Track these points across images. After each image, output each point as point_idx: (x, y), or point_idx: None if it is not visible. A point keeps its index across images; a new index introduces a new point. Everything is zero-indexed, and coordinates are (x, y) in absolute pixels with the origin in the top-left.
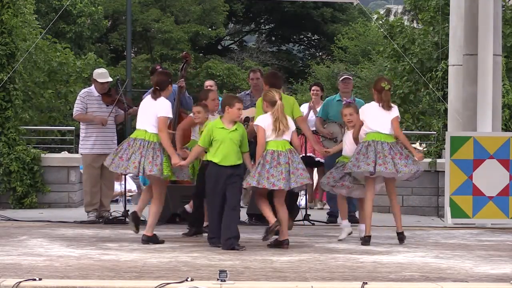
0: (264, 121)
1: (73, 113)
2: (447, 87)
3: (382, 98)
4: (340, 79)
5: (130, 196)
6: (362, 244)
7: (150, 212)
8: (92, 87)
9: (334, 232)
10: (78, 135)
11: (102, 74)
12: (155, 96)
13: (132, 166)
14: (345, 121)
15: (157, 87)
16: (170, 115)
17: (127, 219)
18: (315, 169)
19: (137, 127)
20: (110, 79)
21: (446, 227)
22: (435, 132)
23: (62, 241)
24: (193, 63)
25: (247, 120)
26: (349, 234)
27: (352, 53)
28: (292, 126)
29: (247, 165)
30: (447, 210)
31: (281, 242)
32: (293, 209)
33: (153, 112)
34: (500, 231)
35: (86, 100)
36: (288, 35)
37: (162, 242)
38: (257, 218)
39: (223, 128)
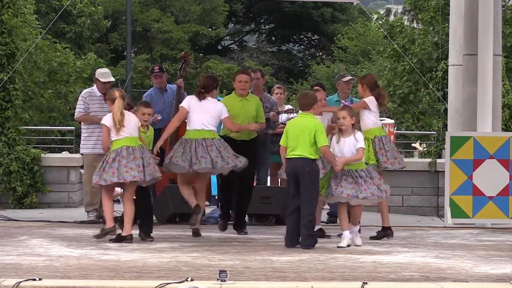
0: (108, 120)
1: (75, 114)
2: (447, 87)
3: (383, 95)
4: (344, 79)
5: None
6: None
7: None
8: (94, 87)
9: (334, 232)
10: (78, 135)
11: (104, 74)
12: (202, 97)
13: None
14: (338, 123)
15: (202, 90)
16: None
17: None
18: None
19: (197, 127)
20: (112, 79)
21: (446, 227)
22: (435, 132)
23: (62, 241)
24: (193, 63)
25: None
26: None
27: (352, 53)
28: (136, 122)
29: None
30: (447, 210)
31: (124, 237)
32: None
33: (211, 112)
34: (500, 231)
35: (87, 100)
36: (288, 35)
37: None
38: (257, 218)
39: None
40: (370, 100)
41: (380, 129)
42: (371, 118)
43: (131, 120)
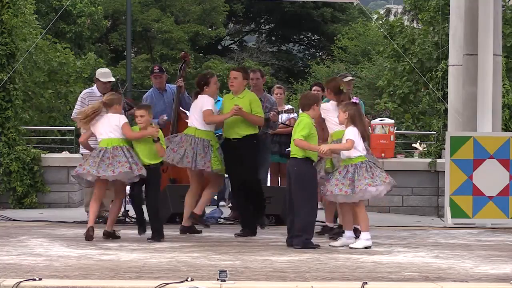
0: None
1: (72, 114)
2: (447, 87)
3: (342, 99)
4: (345, 80)
5: None
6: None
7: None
8: (94, 87)
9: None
10: (78, 135)
11: (104, 74)
12: (195, 97)
13: (185, 160)
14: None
15: (198, 89)
16: (210, 107)
17: (127, 219)
18: None
19: (189, 124)
20: (113, 79)
21: (446, 227)
22: (435, 132)
23: (62, 241)
24: (193, 63)
25: None
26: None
27: (352, 53)
28: (115, 123)
29: None
30: (447, 210)
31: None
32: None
33: (197, 108)
34: (500, 231)
35: (87, 101)
36: (288, 35)
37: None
38: None
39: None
40: (329, 105)
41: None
42: (332, 122)
43: (108, 122)
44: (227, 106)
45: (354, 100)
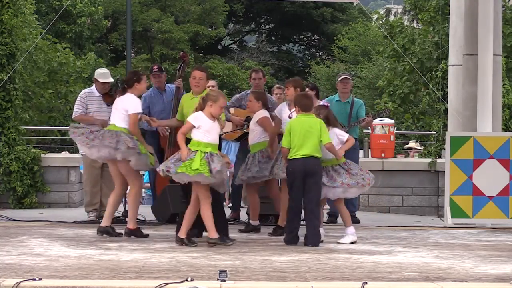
0: None
1: (73, 114)
2: (447, 87)
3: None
4: (339, 79)
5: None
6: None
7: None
8: (93, 87)
9: (334, 232)
10: None
11: (103, 74)
12: (123, 92)
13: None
14: None
15: (124, 85)
16: (139, 111)
17: (127, 219)
18: None
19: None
20: (112, 80)
21: (446, 227)
22: (435, 132)
23: (62, 241)
24: (192, 63)
25: (247, 120)
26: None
27: (352, 53)
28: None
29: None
30: (447, 210)
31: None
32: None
33: (121, 107)
34: (500, 231)
35: (86, 100)
36: (288, 35)
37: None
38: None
39: None
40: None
41: None
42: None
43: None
44: (187, 105)
45: (324, 103)
